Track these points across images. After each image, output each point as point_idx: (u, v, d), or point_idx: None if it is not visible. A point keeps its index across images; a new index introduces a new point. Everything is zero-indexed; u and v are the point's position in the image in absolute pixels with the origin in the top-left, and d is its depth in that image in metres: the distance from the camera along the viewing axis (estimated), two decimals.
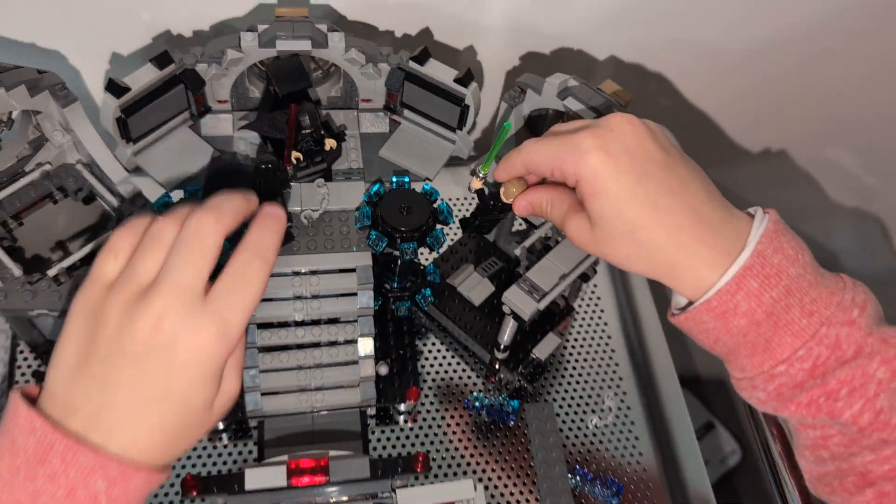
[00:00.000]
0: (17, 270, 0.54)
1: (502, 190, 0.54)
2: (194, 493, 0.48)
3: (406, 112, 0.68)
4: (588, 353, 0.75)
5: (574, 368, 0.74)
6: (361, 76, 0.65)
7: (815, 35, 0.85)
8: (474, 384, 0.72)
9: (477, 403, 0.70)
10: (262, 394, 0.63)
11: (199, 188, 0.59)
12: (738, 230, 0.45)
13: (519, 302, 0.60)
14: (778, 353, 0.44)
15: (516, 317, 0.61)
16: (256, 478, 0.49)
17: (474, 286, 0.74)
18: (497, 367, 0.71)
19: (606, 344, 0.76)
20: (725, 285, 0.44)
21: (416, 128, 0.69)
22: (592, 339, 0.76)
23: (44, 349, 0.66)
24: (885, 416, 0.44)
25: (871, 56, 0.89)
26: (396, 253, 0.63)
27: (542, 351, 0.71)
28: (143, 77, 0.58)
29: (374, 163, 0.67)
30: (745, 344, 0.46)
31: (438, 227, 0.61)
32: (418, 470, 0.51)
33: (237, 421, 0.65)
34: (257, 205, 0.47)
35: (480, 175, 0.60)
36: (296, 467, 0.49)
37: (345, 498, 0.49)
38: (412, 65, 0.64)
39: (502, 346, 0.69)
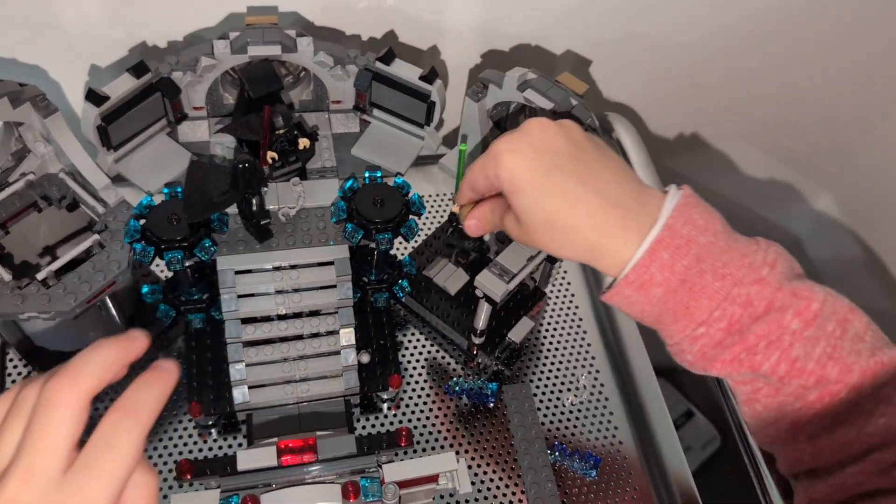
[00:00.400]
0: (6, 275, 0.56)
1: (460, 217, 0.59)
2: (188, 477, 0.50)
3: (375, 111, 0.71)
4: (561, 334, 0.78)
5: (548, 350, 0.77)
6: (331, 78, 0.67)
7: (763, 27, 0.89)
8: (454, 370, 0.75)
9: (457, 388, 0.73)
10: (249, 387, 0.66)
11: (180, 189, 0.61)
12: (651, 208, 0.49)
13: (490, 285, 0.63)
14: (696, 317, 0.48)
15: (489, 299, 0.63)
16: (248, 459, 0.51)
17: (449, 276, 0.77)
18: (475, 352, 0.74)
19: (578, 325, 0.79)
20: (639, 259, 0.47)
21: (385, 126, 0.72)
22: (565, 321, 0.79)
23: (32, 354, 0.67)
24: (800, 364, 0.47)
25: (824, 50, 0.94)
26: (372, 245, 0.65)
27: (516, 334, 0.74)
28: (121, 86, 0.60)
29: (346, 161, 0.70)
30: (668, 312, 0.49)
31: (411, 217, 0.64)
32: (402, 444, 0.54)
33: (226, 415, 0.67)
34: (144, 346, 0.41)
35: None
36: (285, 447, 0.51)
37: (333, 475, 0.51)
38: (379, 65, 0.67)
39: (478, 331, 0.72)
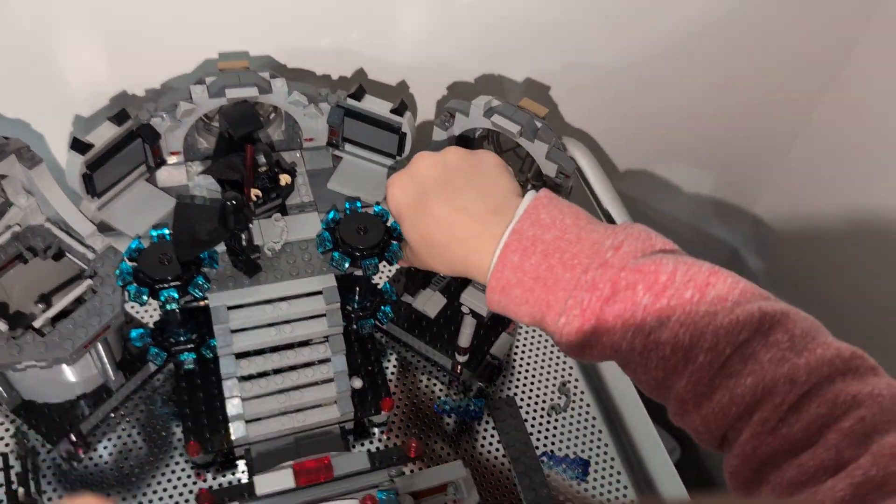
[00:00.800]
0: (2, 326, 0.56)
1: None
2: None
3: (347, 146, 0.74)
4: (536, 347, 0.82)
5: (527, 363, 0.80)
6: (304, 117, 0.70)
7: (687, 52, 0.97)
8: (440, 390, 0.77)
9: (446, 406, 0.75)
10: (247, 421, 0.66)
11: (166, 231, 0.63)
12: (505, 219, 0.53)
13: (476, 300, 0.66)
14: (555, 309, 0.50)
15: (475, 314, 0.66)
16: (266, 483, 0.52)
17: (428, 300, 0.79)
18: (459, 371, 0.77)
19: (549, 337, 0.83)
20: (494, 265, 0.51)
21: (356, 160, 0.75)
22: (539, 334, 0.83)
23: (20, 409, 0.66)
24: (654, 336, 0.48)
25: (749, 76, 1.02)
26: (358, 272, 0.68)
27: (499, 350, 0.77)
28: (103, 134, 0.62)
29: (323, 195, 0.73)
30: (536, 310, 0.52)
31: (393, 242, 0.67)
32: (412, 455, 0.56)
33: (222, 454, 0.68)
34: None
35: None
36: (301, 468, 0.52)
37: (350, 492, 0.52)
38: (350, 102, 0.70)
39: (462, 350, 0.74)
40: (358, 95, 0.70)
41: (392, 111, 0.69)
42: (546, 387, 0.78)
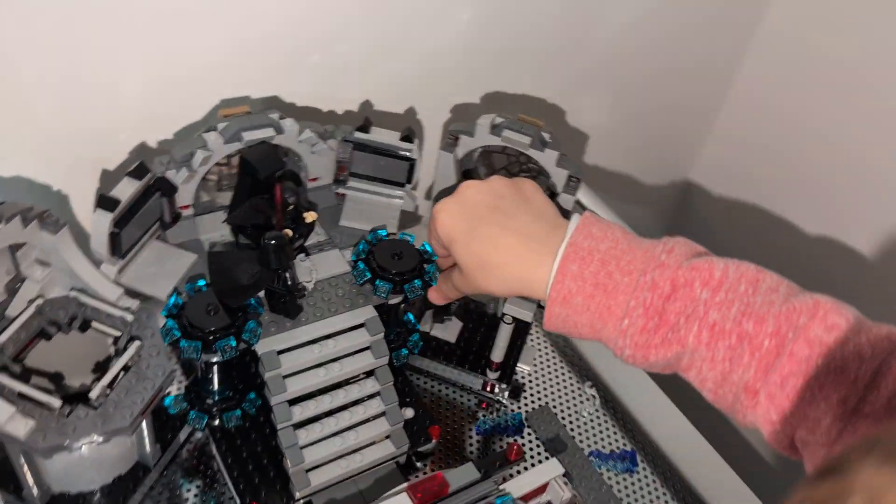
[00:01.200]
0: (55, 402, 0.51)
1: None
2: None
3: (351, 182, 0.74)
4: (554, 352, 0.83)
5: (549, 370, 0.81)
6: (312, 155, 0.69)
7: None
8: (474, 412, 0.76)
9: (487, 425, 0.74)
10: (307, 470, 0.63)
11: (202, 283, 0.60)
12: (560, 235, 0.56)
13: (519, 308, 0.67)
14: (617, 312, 0.53)
15: (519, 321, 0.67)
16: None
17: (445, 328, 0.79)
18: (491, 387, 0.77)
19: (565, 341, 0.85)
20: (554, 276, 0.54)
21: (362, 194, 0.74)
22: (555, 340, 0.84)
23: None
24: (719, 327, 0.51)
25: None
26: (394, 300, 0.67)
27: (525, 360, 0.78)
28: (125, 190, 0.58)
29: (337, 233, 0.72)
30: (596, 318, 0.54)
31: (429, 265, 0.66)
32: (513, 459, 0.55)
33: None
34: None
35: None
36: (416, 489, 0.51)
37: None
38: (358, 135, 0.70)
39: (495, 364, 0.75)
40: (365, 128, 0.70)
41: (401, 139, 0.70)
42: (572, 389, 0.80)
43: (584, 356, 0.84)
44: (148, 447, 0.62)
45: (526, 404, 0.78)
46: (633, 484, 0.73)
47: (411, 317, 0.74)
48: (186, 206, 0.66)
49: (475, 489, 0.53)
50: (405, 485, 0.52)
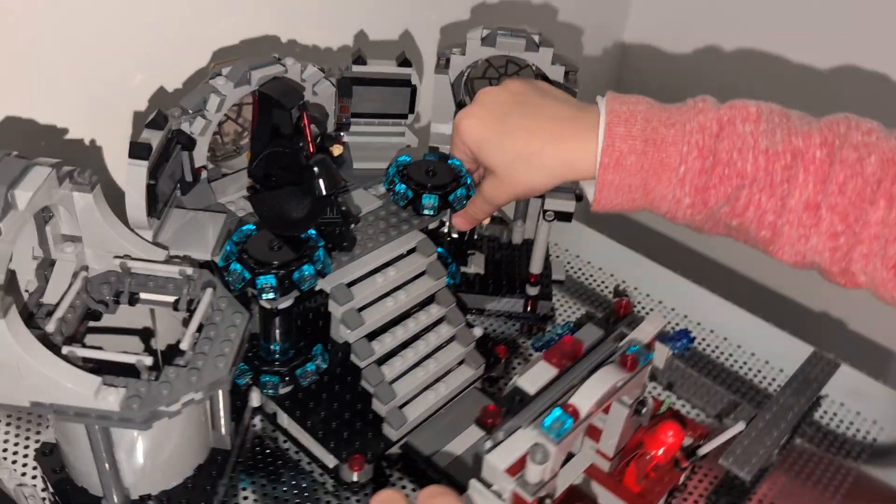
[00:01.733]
0: (146, 359, 0.45)
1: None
2: (490, 423, 0.45)
3: (353, 126, 0.71)
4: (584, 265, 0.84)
5: (582, 282, 0.82)
6: (314, 97, 0.66)
7: None
8: (522, 333, 0.75)
9: (541, 342, 0.72)
10: (400, 406, 0.59)
11: (250, 227, 0.55)
12: (591, 111, 0.57)
13: (560, 199, 0.67)
14: (672, 161, 0.54)
15: (562, 215, 0.67)
16: (532, 382, 0.47)
17: (471, 263, 0.77)
18: (532, 306, 0.75)
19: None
20: (603, 142, 0.54)
21: (365, 138, 0.71)
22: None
23: None
24: (772, 150, 0.53)
25: None
26: (432, 225, 0.65)
27: (559, 271, 0.77)
28: (150, 140, 0.53)
29: (350, 177, 0.68)
30: (649, 175, 0.54)
31: (461, 187, 0.64)
32: (623, 314, 0.54)
33: (376, 457, 0.58)
34: None
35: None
36: (553, 355, 0.48)
37: (605, 361, 0.49)
38: (356, 68, 0.67)
39: (534, 276, 0.74)
40: (361, 60, 0.67)
41: (399, 65, 0.68)
42: (601, 296, 0.80)
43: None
44: (224, 427, 0.56)
45: (568, 315, 0.77)
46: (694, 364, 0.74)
47: (441, 250, 0.72)
48: (200, 169, 0.61)
49: (604, 346, 0.52)
50: (540, 355, 0.49)
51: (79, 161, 0.51)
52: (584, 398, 0.46)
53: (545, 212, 0.67)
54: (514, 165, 0.58)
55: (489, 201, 0.63)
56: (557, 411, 0.45)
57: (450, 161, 0.65)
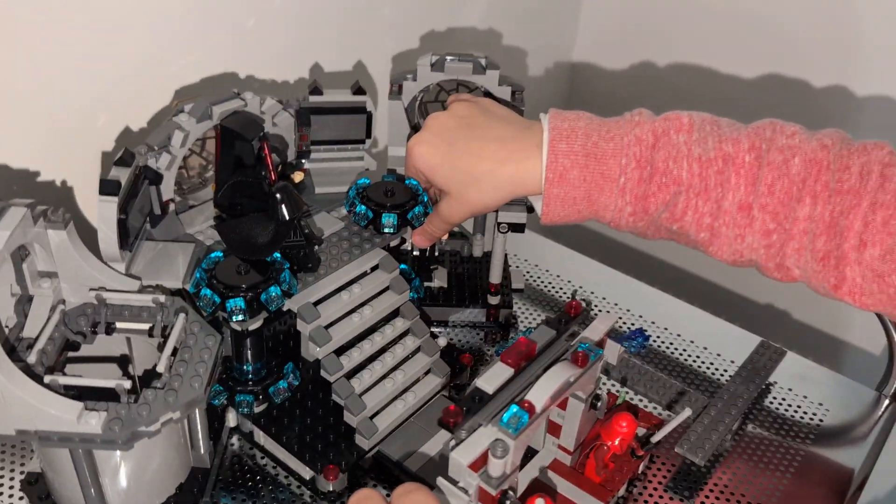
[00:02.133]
0: (125, 382, 0.47)
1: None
2: (452, 423, 0.48)
3: (313, 154, 0.74)
4: (541, 274, 0.88)
5: (541, 288, 0.85)
6: (273, 128, 0.69)
7: None
8: (484, 340, 0.78)
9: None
10: (370, 417, 0.62)
11: (218, 254, 0.58)
12: (535, 130, 0.61)
13: (512, 212, 0.70)
14: (613, 173, 0.58)
15: (515, 227, 0.70)
16: (490, 382, 0.50)
17: (434, 277, 0.81)
18: (494, 314, 0.79)
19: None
20: (547, 159, 0.58)
21: (325, 164, 0.75)
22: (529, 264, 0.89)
23: None
24: (704, 157, 0.57)
25: None
26: (393, 243, 0.68)
27: (517, 279, 0.81)
28: (118, 177, 0.56)
29: (315, 200, 0.72)
30: (592, 187, 0.58)
31: (418, 205, 0.67)
32: (574, 314, 0.57)
33: (350, 466, 0.61)
34: None
35: None
36: (509, 356, 0.52)
37: (558, 360, 0.52)
38: (313, 99, 0.71)
39: (494, 287, 0.77)
40: (317, 91, 0.71)
41: (354, 94, 0.72)
42: (560, 301, 0.83)
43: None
44: (203, 445, 0.58)
45: (530, 321, 0.81)
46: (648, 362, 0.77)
47: (404, 266, 0.75)
48: (168, 202, 0.64)
49: (557, 345, 0.55)
50: (498, 358, 0.52)
51: (52, 201, 0.54)
52: (539, 394, 0.50)
53: (499, 224, 0.71)
54: (466, 187, 0.62)
55: (445, 220, 0.66)
56: (514, 408, 0.48)
57: (407, 181, 0.69)
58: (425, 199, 0.67)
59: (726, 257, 0.59)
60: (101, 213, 0.54)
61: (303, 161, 0.73)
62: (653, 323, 0.82)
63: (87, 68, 0.70)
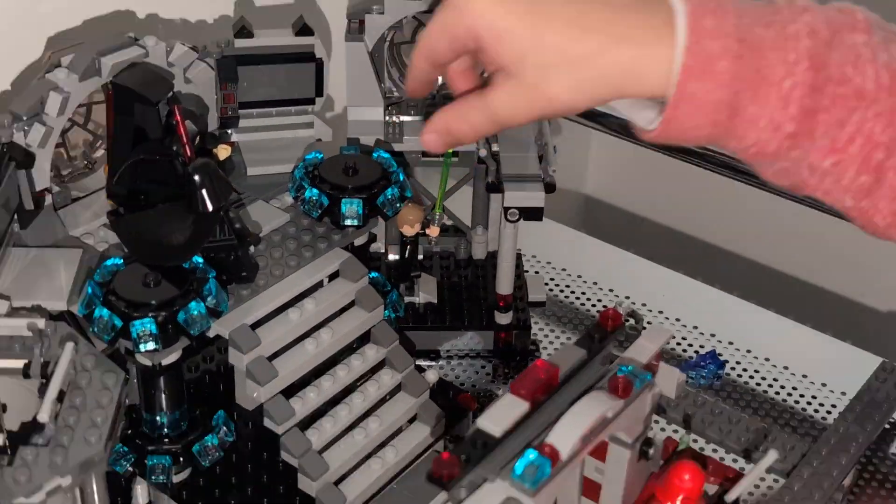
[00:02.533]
0: None
1: (399, 223, 0.76)
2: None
3: (242, 121, 0.78)
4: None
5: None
6: (187, 86, 0.73)
7: None
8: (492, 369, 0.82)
9: None
10: (336, 483, 0.65)
11: (116, 260, 0.61)
12: (664, 2, 0.59)
13: (523, 192, 0.74)
14: (777, 73, 0.57)
15: (531, 211, 0.74)
16: (496, 420, 0.53)
17: (419, 288, 0.84)
18: (504, 338, 0.82)
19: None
20: (688, 39, 0.57)
21: (261, 134, 0.79)
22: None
23: None
24: (892, 65, 0.58)
25: None
26: (359, 241, 0.71)
27: (536, 290, 0.85)
28: None
29: (246, 187, 0.75)
30: (744, 91, 0.58)
31: (392, 186, 0.71)
32: (611, 328, 0.61)
33: None
34: None
35: (437, 219, 0.81)
36: (520, 387, 0.55)
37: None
38: (240, 43, 0.75)
39: (503, 301, 0.81)
40: (246, 33, 0.75)
41: (296, 34, 0.76)
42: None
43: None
44: None
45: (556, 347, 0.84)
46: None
47: (377, 274, 0.79)
48: (42, 192, 0.67)
49: (588, 371, 0.58)
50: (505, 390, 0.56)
51: None
52: (564, 434, 0.53)
53: (507, 210, 0.75)
54: (550, 72, 0.59)
55: (495, 119, 0.61)
56: (531, 454, 0.51)
57: (375, 154, 0.72)
58: (401, 178, 0.71)
59: (883, 218, 0.61)
60: None
61: (229, 131, 0.76)
62: (731, 344, 0.86)
63: None
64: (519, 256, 0.85)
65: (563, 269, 0.93)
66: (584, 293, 0.90)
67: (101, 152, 0.75)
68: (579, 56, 0.58)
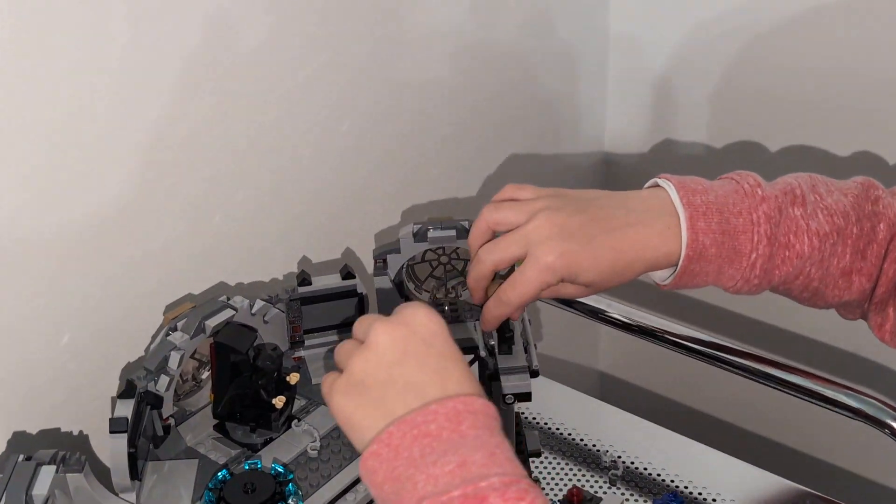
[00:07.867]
0: None
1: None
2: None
3: (306, 341, 0.96)
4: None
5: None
6: (265, 325, 0.91)
7: None
8: None
9: None
10: None
11: (247, 465, 0.79)
12: (658, 204, 0.82)
13: (515, 380, 0.89)
14: (745, 249, 0.80)
15: (522, 396, 0.90)
16: None
17: None
18: None
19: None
20: (688, 238, 0.79)
21: (320, 350, 0.96)
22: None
23: None
24: (821, 230, 0.81)
25: None
26: None
27: (532, 443, 1.01)
28: (121, 411, 0.77)
29: (313, 393, 0.93)
30: (725, 262, 0.81)
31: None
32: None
33: None
34: None
35: None
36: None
37: None
38: (302, 289, 0.93)
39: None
40: (306, 281, 0.93)
41: (343, 279, 0.94)
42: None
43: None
44: None
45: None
46: None
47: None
48: (168, 419, 0.85)
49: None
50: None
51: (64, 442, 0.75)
52: None
53: (504, 396, 0.91)
54: (607, 279, 0.80)
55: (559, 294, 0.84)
56: None
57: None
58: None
59: (821, 307, 0.86)
60: (114, 450, 0.75)
61: (295, 352, 0.94)
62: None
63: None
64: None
65: (551, 418, 1.08)
66: (578, 438, 1.06)
67: (205, 374, 0.92)
68: (623, 263, 0.79)
